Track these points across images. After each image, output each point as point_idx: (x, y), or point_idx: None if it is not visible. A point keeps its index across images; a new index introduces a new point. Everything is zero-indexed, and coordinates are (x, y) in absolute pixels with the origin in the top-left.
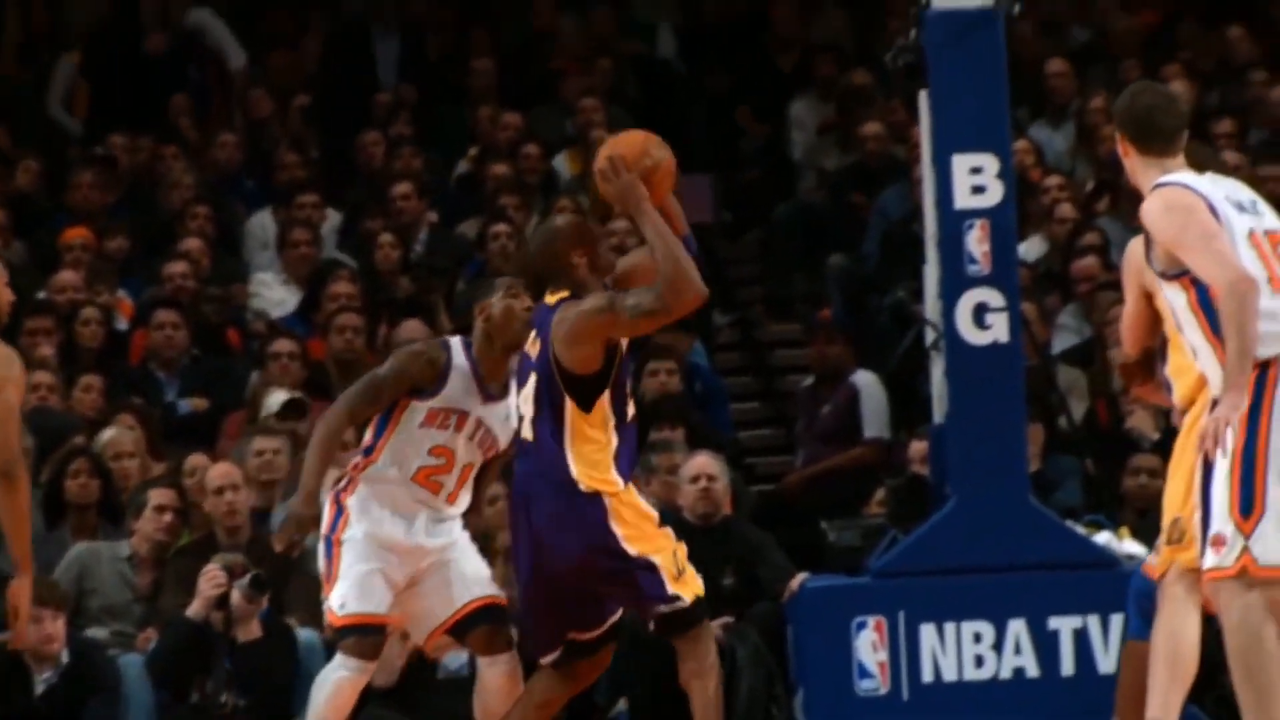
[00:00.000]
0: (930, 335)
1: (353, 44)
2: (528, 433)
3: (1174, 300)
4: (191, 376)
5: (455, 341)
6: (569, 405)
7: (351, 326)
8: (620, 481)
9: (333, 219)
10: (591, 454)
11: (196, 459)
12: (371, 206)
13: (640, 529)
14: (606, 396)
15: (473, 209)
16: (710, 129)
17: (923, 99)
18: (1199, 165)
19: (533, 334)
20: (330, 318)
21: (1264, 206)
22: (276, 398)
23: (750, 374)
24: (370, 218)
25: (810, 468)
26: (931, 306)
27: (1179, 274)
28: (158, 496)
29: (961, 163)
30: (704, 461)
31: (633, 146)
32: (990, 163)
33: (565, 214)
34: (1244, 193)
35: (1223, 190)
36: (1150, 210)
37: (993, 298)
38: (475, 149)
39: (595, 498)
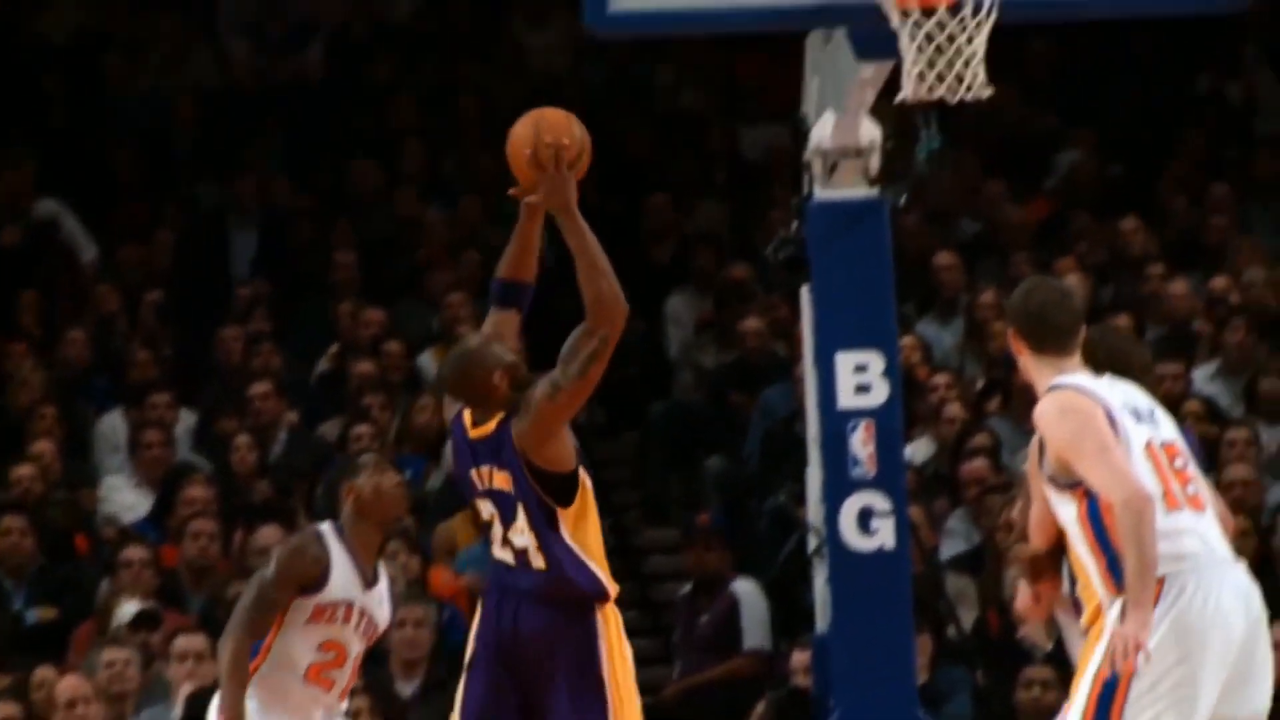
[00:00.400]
0: (813, 541)
1: (208, 236)
2: (538, 561)
3: (1063, 512)
4: (39, 585)
5: (326, 530)
6: (561, 513)
7: (206, 533)
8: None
9: (186, 420)
10: (597, 547)
11: (44, 671)
12: (227, 406)
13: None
14: (585, 480)
15: (334, 409)
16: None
17: (805, 294)
18: (1120, 354)
19: (486, 471)
20: (184, 523)
21: (1161, 414)
22: (128, 608)
23: (625, 581)
24: (226, 418)
25: (688, 679)
26: (814, 511)
27: (1071, 484)
28: (2, 710)
29: (845, 360)
30: None
31: (562, 129)
32: (875, 360)
33: (471, 334)
34: (1142, 399)
35: (1121, 396)
36: (1044, 414)
37: (878, 502)
38: (336, 346)
39: (593, 618)
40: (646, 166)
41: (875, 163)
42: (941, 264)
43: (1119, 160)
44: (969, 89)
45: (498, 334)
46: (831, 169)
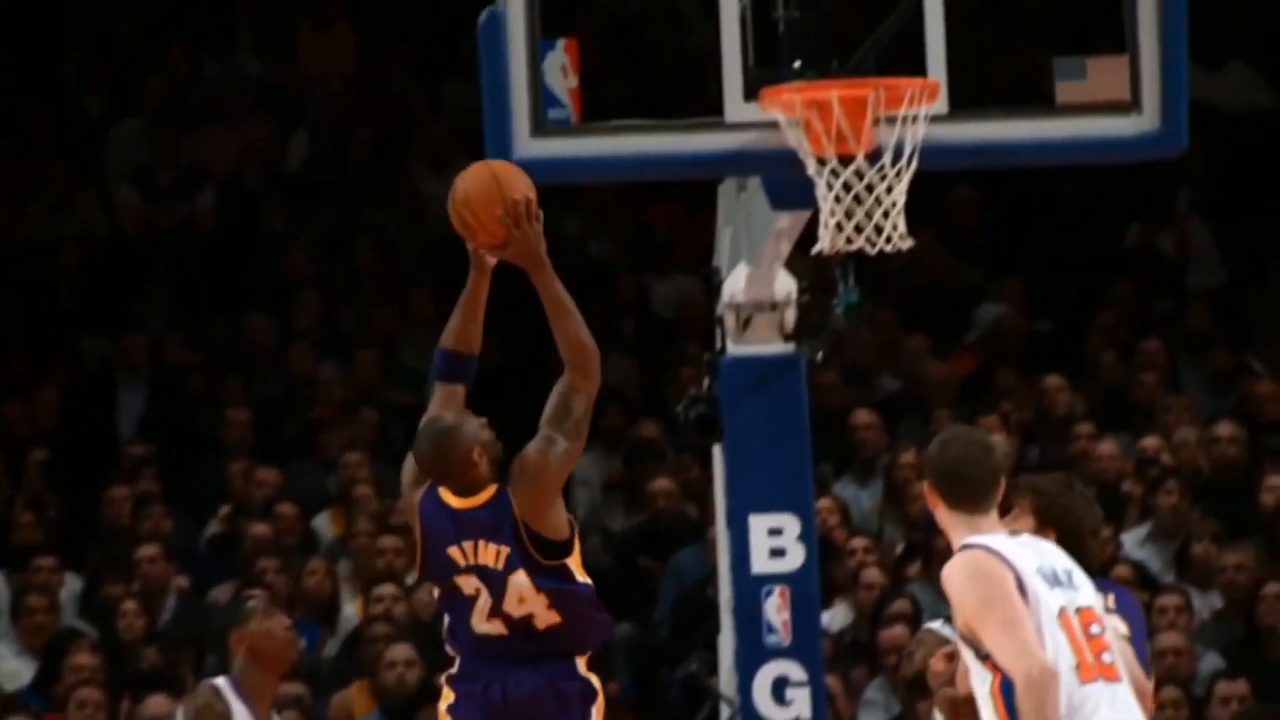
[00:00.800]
0: (725, 712)
1: (96, 393)
2: (551, 618)
3: (976, 682)
4: None
5: (223, 684)
6: (568, 561)
7: (92, 702)
8: None
9: (72, 584)
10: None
11: None
12: (114, 570)
13: None
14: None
15: (226, 573)
16: None
17: (717, 453)
18: (1069, 514)
19: (471, 546)
20: (69, 691)
21: (1080, 577)
22: None
23: None
24: (113, 583)
25: None
26: (727, 680)
27: (983, 655)
28: None
29: (759, 523)
30: None
31: (523, 181)
32: (791, 523)
33: (447, 411)
34: (1059, 561)
35: (1035, 559)
36: (951, 577)
37: (793, 671)
38: (228, 507)
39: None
40: None
41: (791, 317)
42: (860, 422)
43: (1046, 314)
44: (889, 240)
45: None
46: (745, 323)
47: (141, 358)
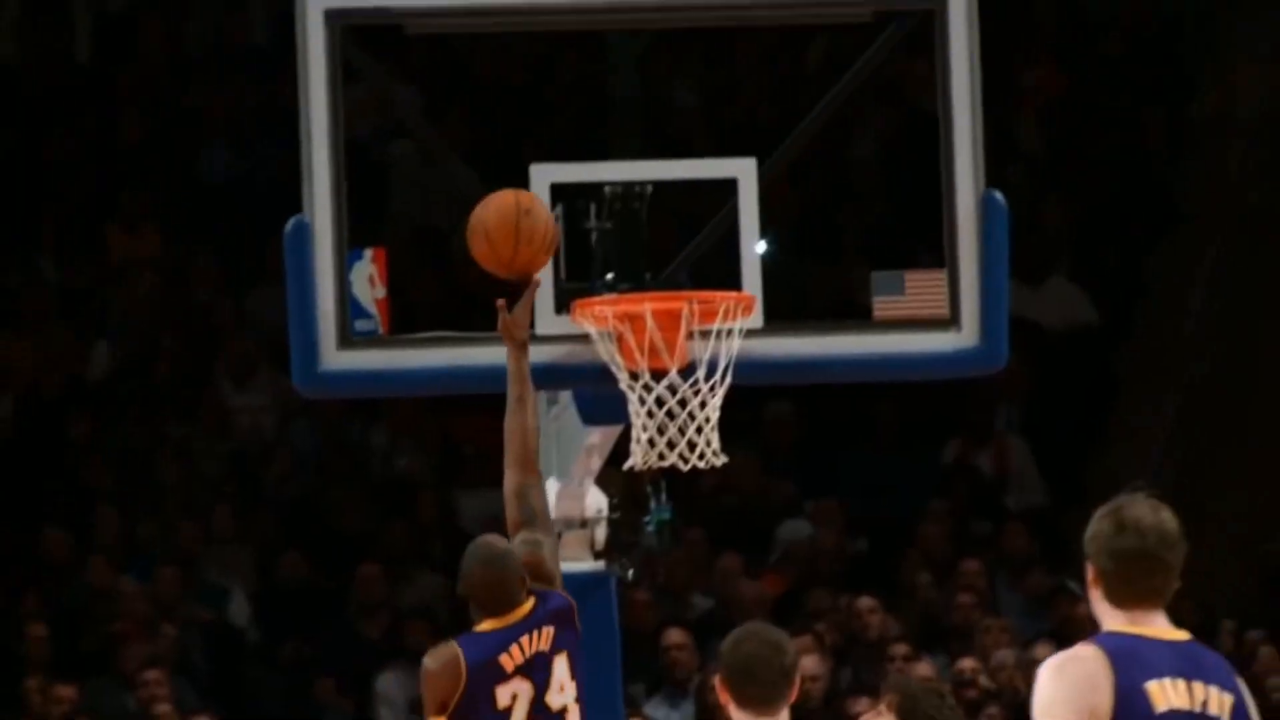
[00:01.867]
0: None
1: None
2: (576, 714)
3: None
4: None
5: None
6: None
7: None
8: None
9: None
10: None
11: None
12: None
13: None
14: None
15: None
16: (288, 704)
17: None
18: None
19: (527, 639)
20: None
21: None
22: None
23: None
24: None
25: None
26: None
27: None
28: None
29: None
30: None
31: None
32: None
33: (500, 541)
34: None
35: None
36: None
37: None
38: None
39: None
40: (359, 536)
41: (601, 534)
42: (672, 642)
43: (861, 533)
44: (701, 457)
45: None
46: None
47: None
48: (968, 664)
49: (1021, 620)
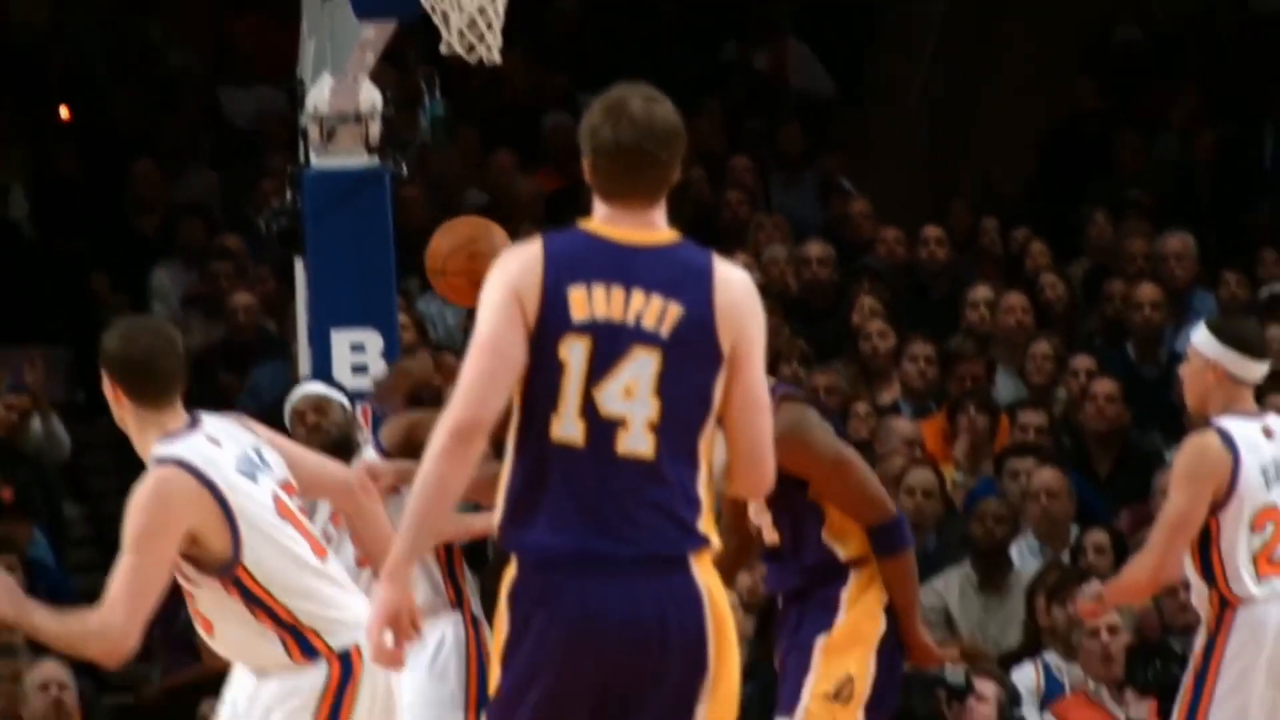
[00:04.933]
0: None
1: None
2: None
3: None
4: None
5: None
6: None
7: None
8: None
9: None
10: None
11: None
12: None
13: None
14: None
15: None
16: (63, 297)
17: (299, 267)
18: None
19: None
20: None
21: (272, 456)
22: None
23: (104, 572)
24: None
25: (170, 680)
26: None
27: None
28: None
29: (341, 339)
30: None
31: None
32: (373, 339)
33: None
34: (251, 446)
35: (232, 451)
36: (133, 500)
37: None
38: None
39: None
40: (133, 131)
41: (376, 130)
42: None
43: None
44: (482, 51)
45: None
46: (329, 135)
47: None
48: (740, 259)
49: (795, 216)
